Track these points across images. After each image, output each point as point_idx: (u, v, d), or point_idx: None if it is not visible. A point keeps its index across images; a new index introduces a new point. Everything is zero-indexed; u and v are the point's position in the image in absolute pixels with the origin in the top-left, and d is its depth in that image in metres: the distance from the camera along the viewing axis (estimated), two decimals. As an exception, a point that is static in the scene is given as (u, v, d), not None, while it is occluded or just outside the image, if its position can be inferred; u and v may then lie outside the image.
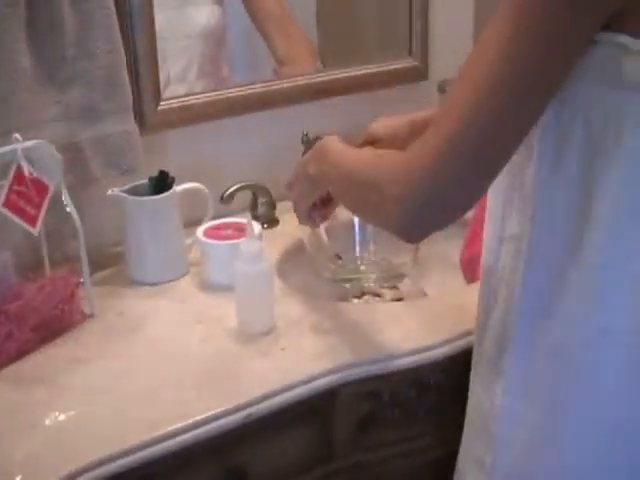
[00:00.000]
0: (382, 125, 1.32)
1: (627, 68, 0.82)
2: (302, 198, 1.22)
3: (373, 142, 1.31)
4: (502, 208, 0.98)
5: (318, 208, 1.23)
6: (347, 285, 1.48)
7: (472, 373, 1.07)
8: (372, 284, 1.49)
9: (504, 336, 0.97)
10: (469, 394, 1.07)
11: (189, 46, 1.62)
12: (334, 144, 1.13)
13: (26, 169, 1.18)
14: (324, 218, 1.27)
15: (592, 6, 0.80)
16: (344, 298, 1.46)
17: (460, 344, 1.16)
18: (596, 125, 0.86)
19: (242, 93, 1.60)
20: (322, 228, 1.28)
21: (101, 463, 0.96)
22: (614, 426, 0.91)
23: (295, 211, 1.26)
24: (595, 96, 0.85)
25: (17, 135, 1.18)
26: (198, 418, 1.02)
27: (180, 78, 1.59)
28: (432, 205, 0.89)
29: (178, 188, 1.38)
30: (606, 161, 0.85)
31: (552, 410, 0.94)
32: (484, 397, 1.02)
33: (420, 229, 0.94)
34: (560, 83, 0.85)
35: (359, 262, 1.51)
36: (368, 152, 1.09)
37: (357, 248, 1.50)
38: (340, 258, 1.50)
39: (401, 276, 1.47)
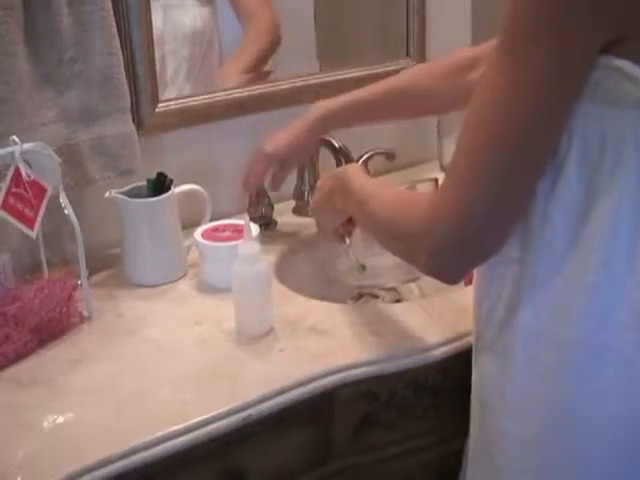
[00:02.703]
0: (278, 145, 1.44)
1: (625, 88, 0.83)
2: (328, 222, 1.29)
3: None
4: None
5: (343, 224, 1.27)
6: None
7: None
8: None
9: (504, 358, 0.97)
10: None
11: (177, 50, 1.62)
12: (356, 177, 1.16)
13: (24, 171, 1.18)
14: (349, 234, 1.30)
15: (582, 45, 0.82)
16: (342, 299, 1.46)
17: (457, 345, 1.16)
18: (594, 144, 0.86)
19: (240, 95, 1.61)
20: (347, 241, 1.32)
21: (100, 465, 0.96)
22: (618, 445, 0.91)
23: (321, 231, 1.32)
24: (593, 115, 0.86)
25: (15, 137, 1.18)
26: (197, 419, 1.02)
27: (170, 81, 1.59)
28: (464, 252, 0.92)
29: (176, 190, 1.38)
30: (606, 180, 0.86)
31: (552, 431, 0.94)
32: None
33: (456, 274, 0.97)
34: (568, 110, 0.85)
35: (381, 268, 1.52)
36: (390, 193, 1.10)
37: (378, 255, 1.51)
38: (364, 268, 1.51)
39: (418, 277, 1.48)
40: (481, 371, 1.03)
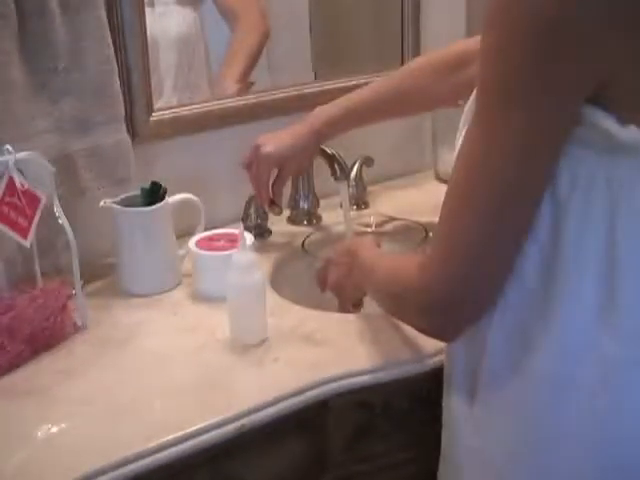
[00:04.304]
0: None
1: (595, 137, 0.83)
2: (350, 298, 1.32)
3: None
4: None
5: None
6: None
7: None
8: None
9: (473, 389, 0.98)
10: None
11: (164, 56, 1.61)
12: (365, 250, 1.19)
13: (18, 181, 1.18)
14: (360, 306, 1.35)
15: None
16: (337, 308, 1.45)
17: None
18: (564, 189, 0.86)
19: (234, 104, 1.61)
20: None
21: (93, 475, 0.96)
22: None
23: (342, 306, 1.33)
24: (565, 154, 0.86)
25: (9, 147, 1.17)
26: (191, 429, 1.02)
27: (158, 88, 1.59)
28: (454, 312, 0.92)
29: (170, 199, 1.38)
30: (576, 216, 0.86)
31: (515, 459, 0.95)
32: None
33: (451, 333, 0.96)
34: (550, 169, 0.85)
35: None
36: (387, 261, 1.12)
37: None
38: None
39: None
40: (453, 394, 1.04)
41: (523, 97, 0.81)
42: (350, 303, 1.33)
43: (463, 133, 0.95)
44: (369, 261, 1.15)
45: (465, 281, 0.89)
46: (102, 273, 1.42)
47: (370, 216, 1.65)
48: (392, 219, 1.62)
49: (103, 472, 0.96)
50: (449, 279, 0.89)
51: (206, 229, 1.43)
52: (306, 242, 1.50)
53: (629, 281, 0.86)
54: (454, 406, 1.02)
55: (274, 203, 1.51)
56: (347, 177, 1.61)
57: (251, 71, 1.70)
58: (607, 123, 0.82)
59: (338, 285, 1.30)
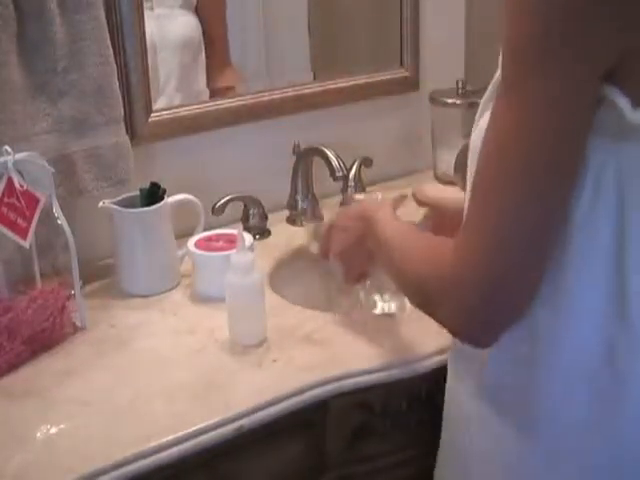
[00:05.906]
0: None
1: (608, 119, 0.82)
2: (356, 268, 1.23)
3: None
4: None
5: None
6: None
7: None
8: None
9: (480, 387, 0.98)
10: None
11: (166, 58, 1.61)
12: (386, 221, 1.08)
13: (17, 181, 1.18)
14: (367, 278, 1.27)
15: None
16: (335, 309, 1.46)
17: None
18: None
19: (233, 104, 1.61)
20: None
21: (92, 476, 0.96)
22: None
23: (346, 277, 1.25)
24: None
25: (8, 147, 1.18)
26: (190, 430, 1.02)
27: (160, 90, 1.59)
28: (494, 305, 0.86)
29: (169, 200, 1.38)
30: (586, 205, 0.85)
31: (525, 456, 0.94)
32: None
33: (488, 332, 0.89)
34: (582, 145, 0.82)
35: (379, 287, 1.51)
36: (415, 241, 1.01)
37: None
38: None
39: None
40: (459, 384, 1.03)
41: (553, 65, 0.78)
42: (356, 274, 1.25)
43: (480, 124, 0.91)
44: (389, 234, 1.05)
45: (504, 269, 0.83)
46: (101, 274, 1.42)
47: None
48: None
49: (103, 472, 0.96)
50: (487, 267, 0.83)
51: (205, 230, 1.43)
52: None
53: (639, 271, 0.85)
54: (460, 405, 1.02)
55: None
56: (346, 177, 1.61)
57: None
58: (622, 102, 0.80)
59: (344, 253, 1.21)
